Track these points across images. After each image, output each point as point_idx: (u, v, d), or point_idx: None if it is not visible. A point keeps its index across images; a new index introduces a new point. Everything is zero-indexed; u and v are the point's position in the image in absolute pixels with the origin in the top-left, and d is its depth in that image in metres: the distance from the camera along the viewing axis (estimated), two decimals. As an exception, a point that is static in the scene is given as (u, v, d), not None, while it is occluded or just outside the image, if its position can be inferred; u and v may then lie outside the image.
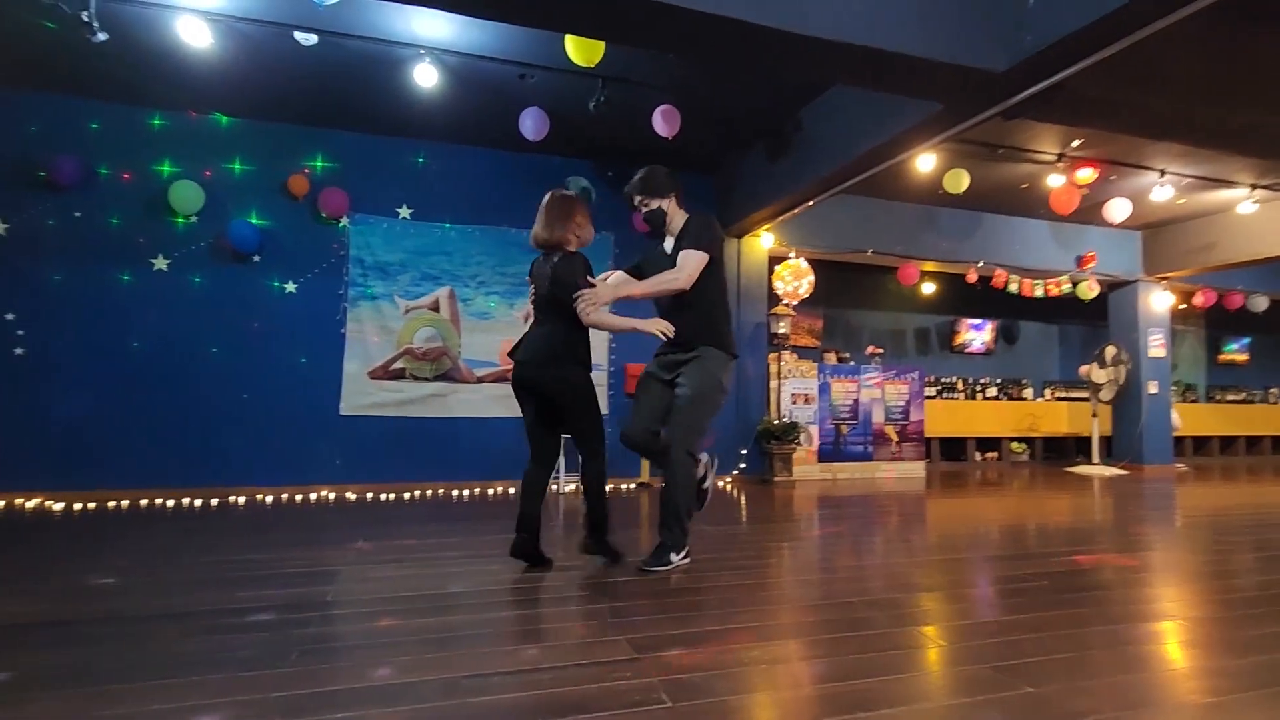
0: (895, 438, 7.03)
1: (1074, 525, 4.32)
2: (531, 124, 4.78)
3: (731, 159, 6.14)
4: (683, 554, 2.94)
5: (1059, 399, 9.24)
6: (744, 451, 6.45)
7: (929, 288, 8.56)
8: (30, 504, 4.60)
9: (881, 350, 7.69)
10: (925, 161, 5.35)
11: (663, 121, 4.67)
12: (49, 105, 4.93)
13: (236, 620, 2.18)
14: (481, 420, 5.80)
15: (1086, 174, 5.89)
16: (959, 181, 5.79)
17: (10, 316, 4.83)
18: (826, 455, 6.77)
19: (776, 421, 6.37)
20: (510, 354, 2.99)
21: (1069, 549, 3.44)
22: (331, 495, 5.22)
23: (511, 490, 5.40)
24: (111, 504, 4.67)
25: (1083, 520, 4.55)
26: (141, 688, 1.66)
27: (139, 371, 5.04)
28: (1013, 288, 7.69)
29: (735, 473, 6.42)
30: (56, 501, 4.66)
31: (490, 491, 5.44)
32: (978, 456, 8.71)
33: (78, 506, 4.54)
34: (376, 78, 4.60)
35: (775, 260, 6.79)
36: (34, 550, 3.25)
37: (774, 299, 6.74)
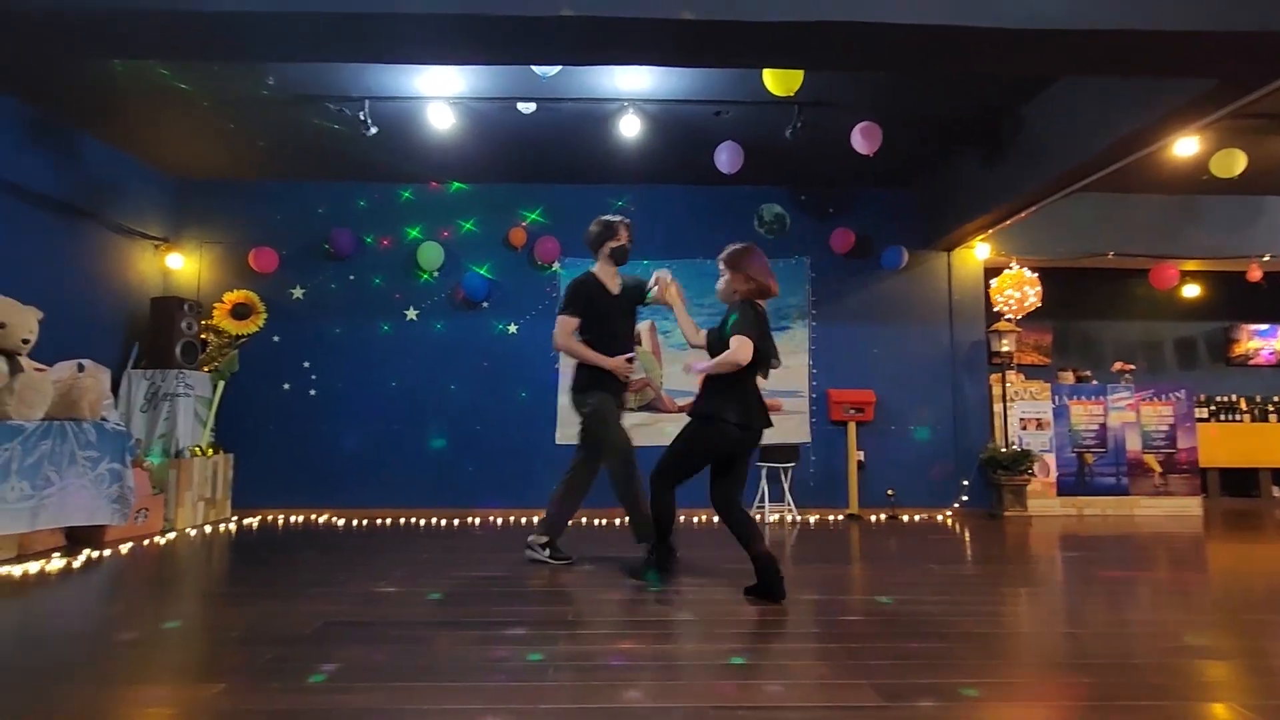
0: (1158, 468, 5.99)
1: None
2: (726, 158, 4.88)
3: (938, 169, 5.74)
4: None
5: (1396, 420, 7.24)
6: (966, 482, 5.89)
7: (1191, 290, 7.25)
8: (321, 519, 5.53)
9: (1133, 366, 6.63)
10: (1184, 146, 4.58)
11: (862, 139, 4.52)
12: (330, 190, 6.02)
13: (497, 633, 2.43)
14: (684, 449, 5.93)
15: None
16: (1231, 164, 4.86)
17: (306, 364, 5.91)
18: (1067, 488, 5.95)
19: (1004, 449, 5.74)
20: (752, 419, 3.00)
21: None
22: (551, 519, 5.63)
23: (714, 519, 5.42)
24: (379, 521, 5.46)
25: None
26: (436, 688, 1.90)
27: (395, 407, 5.89)
28: (1318, 283, 6.25)
29: (956, 505, 5.87)
30: (339, 517, 5.55)
31: (695, 519, 5.52)
32: (1277, 492, 7.10)
33: (355, 523, 5.37)
34: (584, 133, 5.01)
35: (991, 272, 6.20)
36: (332, 559, 3.89)
37: (992, 314, 6.13)
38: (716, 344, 3.07)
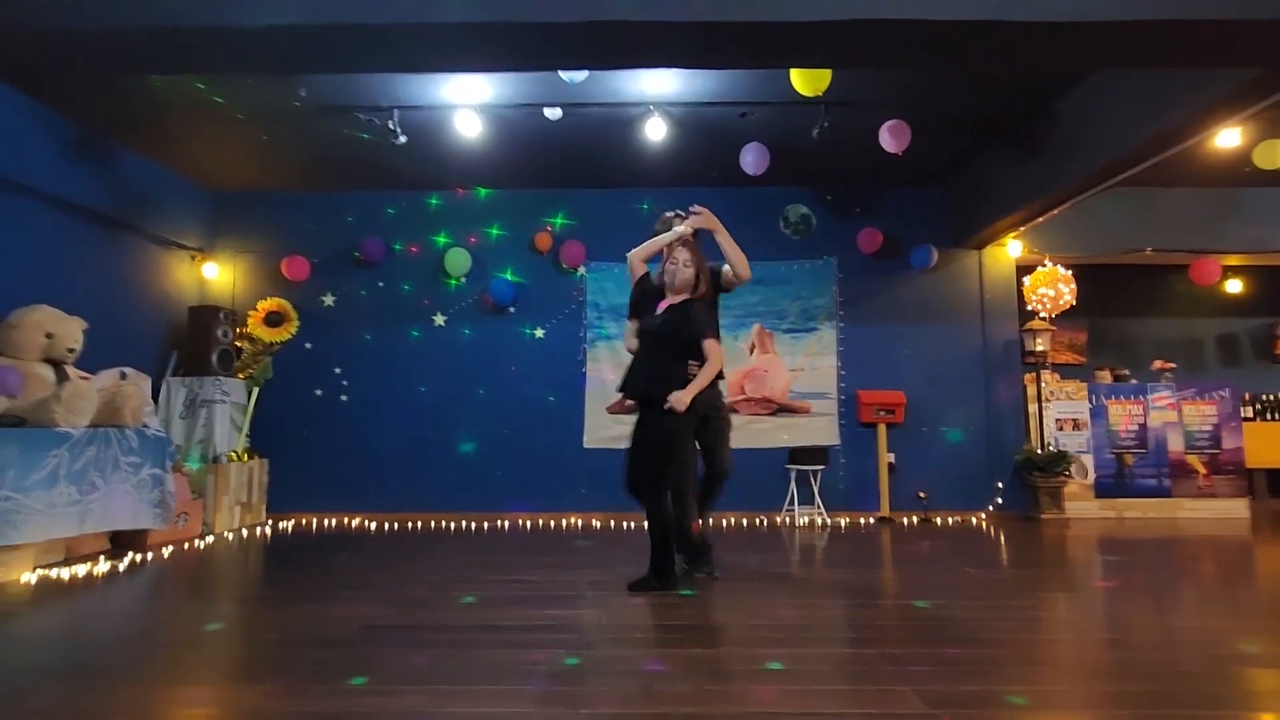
0: (1202, 469, 5.82)
1: None
2: (752, 159, 4.85)
3: (968, 166, 5.65)
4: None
5: None
6: (1000, 485, 5.77)
7: (1234, 285, 7.04)
8: (353, 523, 5.60)
9: (1173, 365, 6.45)
10: (1226, 137, 4.44)
11: (890, 138, 4.46)
12: (359, 199, 6.11)
13: (533, 636, 2.43)
14: (712, 451, 5.90)
15: None
16: (1275, 155, 4.72)
17: (338, 370, 6.00)
18: (1106, 490, 5.80)
19: (1040, 451, 5.62)
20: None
21: None
22: (579, 522, 5.64)
23: (740, 521, 5.40)
24: (409, 524, 5.52)
25: None
26: (476, 692, 1.91)
27: (425, 411, 5.95)
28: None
29: (990, 508, 5.76)
30: (370, 521, 5.62)
31: (724, 522, 5.48)
32: (1326, 493, 6.84)
33: (386, 526, 5.43)
34: (610, 137, 5.02)
35: (1024, 270, 6.08)
36: (366, 562, 3.94)
37: (1025, 312, 6.01)
38: (680, 322, 3.21)
